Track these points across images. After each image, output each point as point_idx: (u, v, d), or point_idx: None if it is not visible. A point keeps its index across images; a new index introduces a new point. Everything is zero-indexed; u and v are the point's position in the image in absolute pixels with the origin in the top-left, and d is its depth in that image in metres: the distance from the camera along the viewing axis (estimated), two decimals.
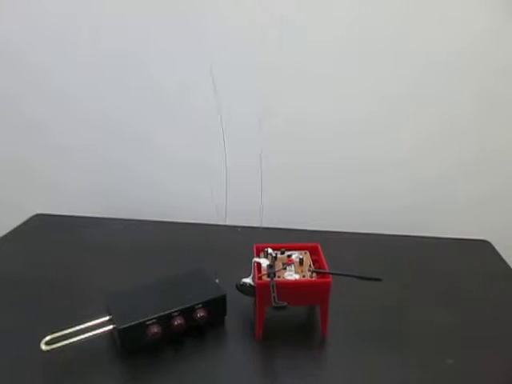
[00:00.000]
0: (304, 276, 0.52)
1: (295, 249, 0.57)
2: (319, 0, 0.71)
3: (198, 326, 0.53)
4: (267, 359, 0.51)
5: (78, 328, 0.50)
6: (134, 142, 0.85)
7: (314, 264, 0.54)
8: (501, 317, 0.58)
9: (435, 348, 0.52)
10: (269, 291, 0.48)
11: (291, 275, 0.52)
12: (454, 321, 0.57)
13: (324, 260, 0.53)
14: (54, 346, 0.47)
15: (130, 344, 0.50)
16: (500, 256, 0.72)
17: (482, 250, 0.74)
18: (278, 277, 0.51)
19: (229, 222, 0.76)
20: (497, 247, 0.74)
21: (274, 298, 0.47)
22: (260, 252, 0.56)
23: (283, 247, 0.56)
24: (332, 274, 0.51)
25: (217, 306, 0.54)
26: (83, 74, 0.80)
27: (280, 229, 0.77)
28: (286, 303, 0.46)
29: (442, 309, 0.59)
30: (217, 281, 0.57)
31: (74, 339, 0.48)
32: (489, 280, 0.66)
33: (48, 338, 0.48)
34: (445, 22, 0.70)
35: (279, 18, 0.72)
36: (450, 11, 0.69)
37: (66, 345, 0.48)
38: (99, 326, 0.50)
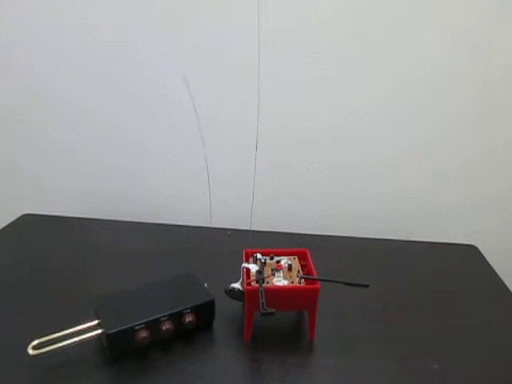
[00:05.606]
0: (293, 282, 0.52)
1: (284, 254, 0.57)
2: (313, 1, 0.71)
3: (187, 331, 0.53)
4: (255, 363, 0.52)
5: (65, 332, 0.49)
6: (125, 143, 0.84)
7: (302, 269, 0.55)
8: (487, 322, 0.59)
9: (421, 353, 0.53)
10: (257, 297, 0.48)
11: (280, 281, 0.52)
12: (441, 326, 0.58)
13: (312, 266, 0.54)
14: (42, 350, 0.47)
15: (118, 349, 0.50)
16: (487, 261, 0.73)
17: (468, 254, 0.75)
18: (267, 282, 0.51)
19: (218, 225, 0.76)
20: (483, 252, 0.75)
21: (263, 304, 0.47)
22: (249, 257, 0.56)
23: (272, 253, 0.57)
24: (320, 280, 0.51)
25: (205, 311, 0.54)
26: (74, 74, 0.80)
27: (269, 232, 0.77)
28: (273, 310, 0.46)
29: (429, 314, 0.60)
30: (206, 285, 0.57)
31: (62, 344, 0.48)
32: (475, 285, 0.67)
33: (35, 342, 0.48)
34: (442, 20, 0.70)
35: (270, 22, 0.72)
36: (447, 8, 0.69)
37: (54, 349, 0.47)
38: (87, 330, 0.50)
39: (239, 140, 0.80)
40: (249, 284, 0.51)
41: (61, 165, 0.88)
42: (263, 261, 0.55)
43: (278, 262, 0.56)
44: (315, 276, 0.52)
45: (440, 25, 0.70)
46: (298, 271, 0.54)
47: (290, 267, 0.54)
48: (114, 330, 0.49)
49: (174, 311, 0.52)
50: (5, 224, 0.81)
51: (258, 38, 0.71)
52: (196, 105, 0.60)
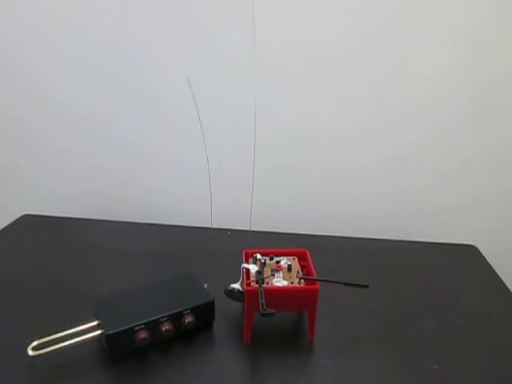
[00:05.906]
0: (292, 282, 0.52)
1: (284, 255, 0.57)
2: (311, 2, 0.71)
3: (186, 331, 0.53)
4: (255, 364, 0.52)
5: (65, 333, 0.50)
6: (124, 144, 0.84)
7: (302, 270, 0.55)
8: (486, 322, 0.59)
9: (420, 353, 0.53)
10: (257, 297, 0.48)
11: (279, 281, 0.52)
12: (440, 326, 0.58)
13: (312, 266, 0.54)
14: (41, 351, 0.47)
15: (117, 349, 0.50)
16: (486, 261, 0.73)
17: (468, 254, 0.75)
18: (267, 283, 0.51)
19: (218, 225, 0.76)
20: (483, 252, 0.75)
21: (262, 304, 0.47)
22: (249, 258, 0.56)
23: (272, 253, 0.57)
24: (320, 280, 0.51)
25: (205, 312, 0.54)
26: (73, 76, 0.80)
27: (269, 232, 0.78)
28: (273, 310, 0.46)
29: (428, 314, 0.60)
30: (205, 285, 0.57)
31: (62, 344, 0.48)
32: (474, 285, 0.67)
33: (35, 343, 0.48)
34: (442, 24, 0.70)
35: (269, 21, 0.72)
36: (447, 8, 0.69)
37: (53, 350, 0.47)
38: (87, 331, 0.50)
39: (239, 141, 0.80)
40: (248, 284, 0.51)
41: (60, 166, 0.88)
42: (263, 261, 0.55)
43: (277, 262, 0.56)
44: (315, 276, 0.52)
45: (440, 24, 0.70)
46: (298, 272, 0.54)
47: (289, 268, 0.54)
48: (113, 331, 0.49)
49: (173, 312, 0.52)
50: (5, 224, 0.81)
51: (255, 38, 0.72)
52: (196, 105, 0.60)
